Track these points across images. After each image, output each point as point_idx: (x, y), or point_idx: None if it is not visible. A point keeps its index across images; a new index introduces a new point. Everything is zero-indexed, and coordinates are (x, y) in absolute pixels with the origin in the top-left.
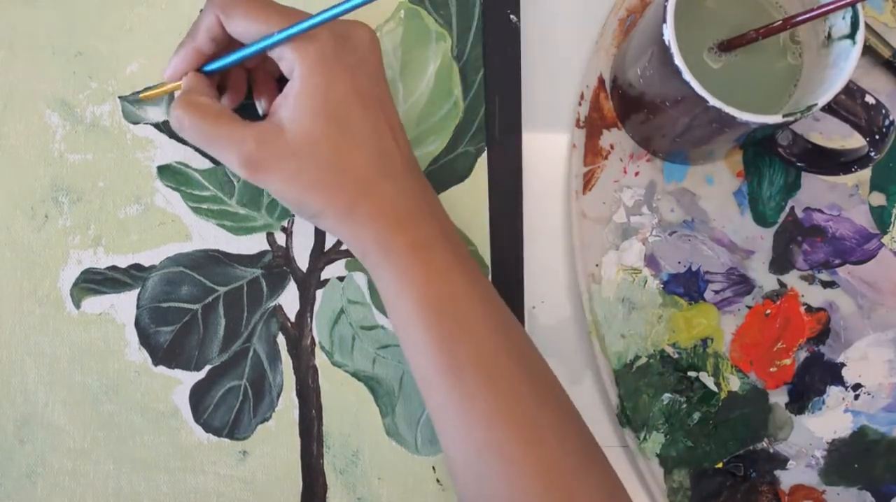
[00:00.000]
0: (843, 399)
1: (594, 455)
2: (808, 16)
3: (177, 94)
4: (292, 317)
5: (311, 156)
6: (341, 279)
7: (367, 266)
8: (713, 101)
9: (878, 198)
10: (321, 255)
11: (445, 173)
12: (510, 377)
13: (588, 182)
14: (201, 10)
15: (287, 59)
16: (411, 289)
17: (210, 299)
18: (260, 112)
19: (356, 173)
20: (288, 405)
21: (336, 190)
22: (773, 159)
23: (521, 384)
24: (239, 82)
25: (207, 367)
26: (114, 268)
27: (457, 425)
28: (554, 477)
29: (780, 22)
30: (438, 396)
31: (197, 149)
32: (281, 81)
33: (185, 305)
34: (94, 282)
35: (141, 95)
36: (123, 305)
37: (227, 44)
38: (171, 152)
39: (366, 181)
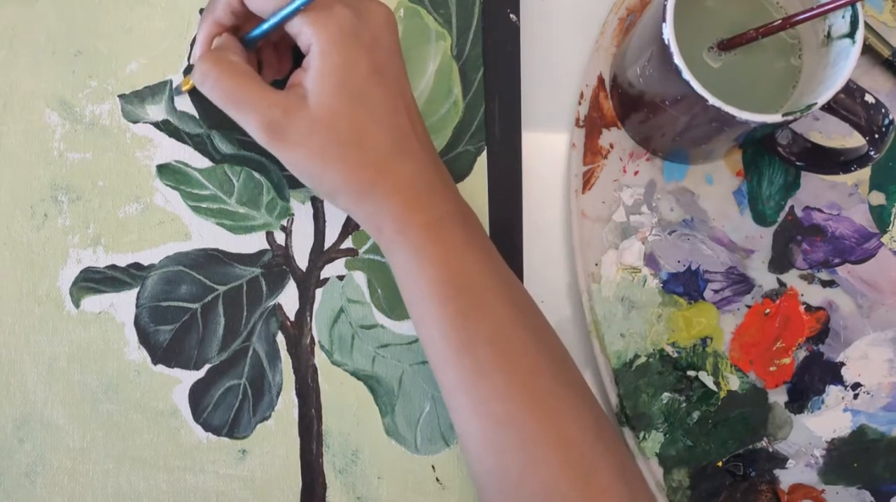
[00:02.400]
0: (843, 398)
1: (607, 429)
2: (807, 15)
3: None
4: (292, 316)
5: (332, 132)
6: (341, 278)
7: (381, 243)
8: (713, 101)
9: (878, 198)
10: (321, 254)
11: None
12: (526, 352)
13: (588, 181)
14: None
15: (305, 34)
16: (427, 267)
17: (209, 298)
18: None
19: (375, 151)
20: (287, 404)
21: (355, 167)
22: (772, 158)
23: (536, 359)
24: (272, 60)
25: (207, 366)
26: (113, 267)
27: (473, 400)
28: (570, 451)
29: (780, 21)
30: (454, 374)
31: (197, 148)
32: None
33: (185, 304)
34: (94, 281)
35: (184, 88)
36: (123, 304)
37: (246, 18)
38: (171, 151)
39: (384, 159)
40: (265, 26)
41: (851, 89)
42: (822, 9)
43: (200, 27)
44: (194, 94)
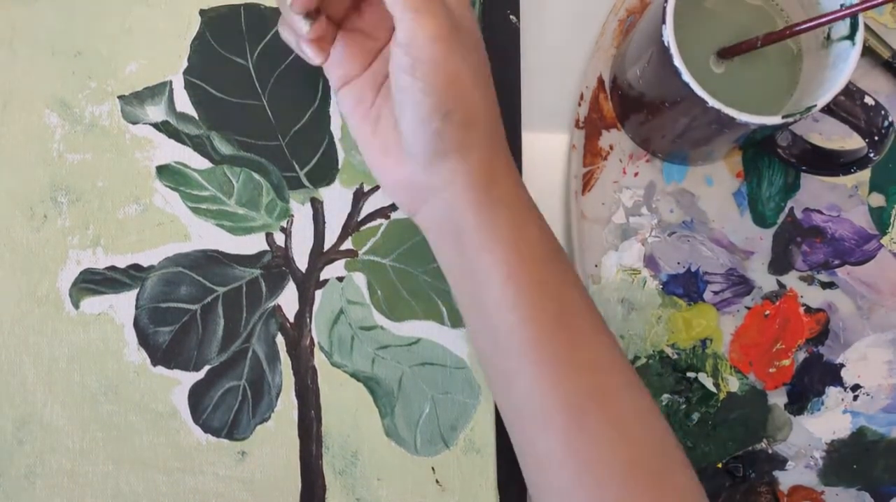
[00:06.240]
0: (842, 400)
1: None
2: (809, 25)
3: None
4: (291, 318)
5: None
6: (340, 279)
7: (459, 216)
8: (712, 102)
9: (878, 199)
10: (320, 256)
11: None
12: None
13: (587, 183)
14: None
15: (406, 22)
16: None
17: (209, 299)
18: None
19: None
20: (287, 405)
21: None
22: (772, 160)
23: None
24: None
25: (206, 368)
26: (113, 268)
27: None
28: None
29: (782, 30)
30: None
31: (196, 149)
32: None
33: (184, 305)
34: (93, 282)
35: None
36: (122, 305)
37: None
38: (170, 152)
39: (488, 150)
40: None
41: (851, 91)
42: (825, 19)
43: None
44: (194, 94)
